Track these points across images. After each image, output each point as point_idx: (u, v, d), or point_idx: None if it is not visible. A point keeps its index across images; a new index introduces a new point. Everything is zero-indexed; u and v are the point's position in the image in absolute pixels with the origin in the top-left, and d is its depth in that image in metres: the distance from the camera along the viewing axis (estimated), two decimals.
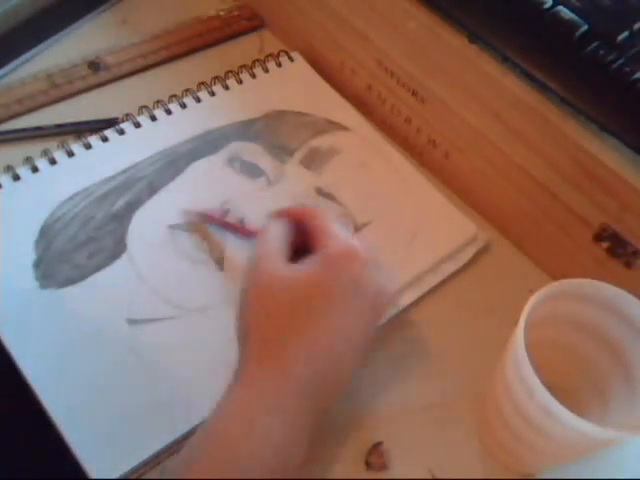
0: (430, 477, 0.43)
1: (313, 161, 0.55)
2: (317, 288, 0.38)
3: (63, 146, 0.53)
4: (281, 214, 0.44)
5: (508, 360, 0.37)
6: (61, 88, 0.58)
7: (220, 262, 0.49)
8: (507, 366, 0.37)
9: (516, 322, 0.49)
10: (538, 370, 0.34)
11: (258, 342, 0.38)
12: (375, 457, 0.42)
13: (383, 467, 0.42)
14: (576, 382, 0.42)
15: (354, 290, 0.39)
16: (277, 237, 0.42)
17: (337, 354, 0.38)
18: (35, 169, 0.51)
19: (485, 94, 0.47)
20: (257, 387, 0.36)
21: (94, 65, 0.59)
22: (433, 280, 0.50)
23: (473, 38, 0.47)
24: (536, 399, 0.34)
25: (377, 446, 0.43)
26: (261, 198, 0.52)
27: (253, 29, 0.65)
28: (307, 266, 0.39)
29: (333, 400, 0.39)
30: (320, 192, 0.53)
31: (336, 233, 0.41)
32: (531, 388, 0.34)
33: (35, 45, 0.60)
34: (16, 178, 0.51)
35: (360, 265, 0.39)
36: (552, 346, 0.41)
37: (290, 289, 0.38)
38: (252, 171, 0.54)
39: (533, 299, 0.36)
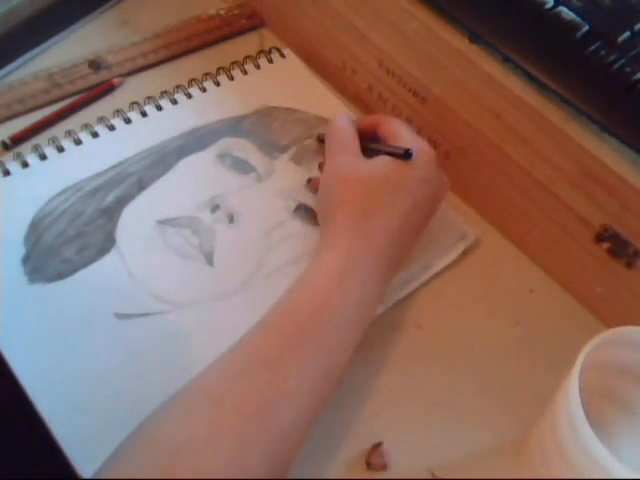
0: (430, 477, 0.43)
1: (303, 157, 0.55)
2: (394, 175, 0.45)
3: (53, 142, 0.53)
4: (355, 122, 0.50)
5: (559, 405, 0.37)
6: (62, 87, 0.58)
7: (209, 257, 0.49)
8: (558, 411, 0.37)
9: (517, 322, 0.49)
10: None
11: (345, 217, 0.44)
12: (375, 457, 0.43)
13: (383, 467, 0.42)
14: (612, 425, 0.42)
15: (423, 181, 0.46)
16: (348, 130, 0.49)
17: (407, 229, 0.45)
18: (25, 164, 0.52)
19: (486, 94, 0.47)
20: (345, 252, 0.43)
21: (95, 64, 0.59)
22: (423, 277, 0.50)
23: (474, 38, 0.47)
24: (592, 457, 0.34)
25: (377, 446, 0.43)
26: (251, 194, 0.52)
27: (253, 28, 0.65)
28: (383, 160, 0.46)
29: (398, 269, 0.47)
30: (310, 188, 0.53)
31: (408, 136, 0.48)
32: (585, 441, 0.34)
33: (36, 45, 0.60)
34: (6, 173, 0.51)
35: (429, 162, 0.47)
36: (593, 391, 0.40)
37: (370, 177, 0.45)
38: (242, 167, 0.54)
39: (588, 346, 0.36)
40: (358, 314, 0.42)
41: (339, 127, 0.49)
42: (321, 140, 0.53)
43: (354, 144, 0.48)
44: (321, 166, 0.53)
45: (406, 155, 0.45)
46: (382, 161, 0.46)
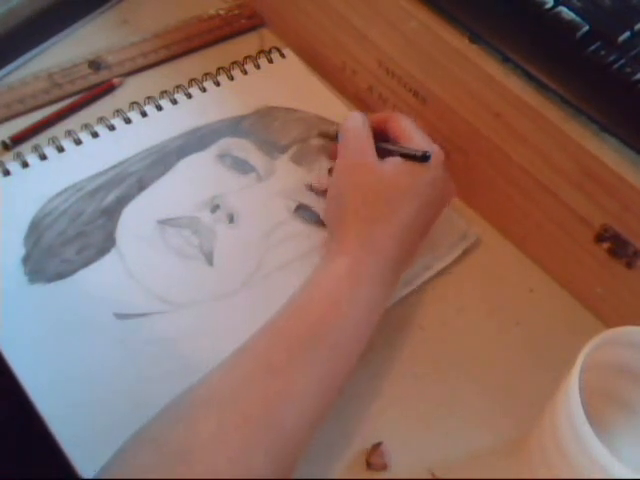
0: (430, 477, 0.43)
1: (303, 157, 0.55)
2: (405, 178, 0.45)
3: (53, 142, 0.53)
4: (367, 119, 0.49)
5: (559, 405, 0.37)
6: (62, 87, 0.58)
7: (209, 257, 0.49)
8: (558, 411, 0.37)
9: (517, 322, 0.49)
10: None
11: (355, 222, 0.44)
12: (375, 457, 0.43)
13: (383, 467, 0.43)
14: (612, 425, 0.43)
15: (431, 183, 0.46)
16: (362, 130, 0.47)
17: (413, 232, 0.45)
18: (25, 164, 0.52)
19: (486, 94, 0.47)
20: (353, 257, 0.43)
21: (95, 64, 0.59)
22: (424, 276, 0.50)
23: (474, 38, 0.47)
24: (592, 457, 0.34)
25: (377, 446, 0.43)
26: (251, 194, 0.52)
27: (253, 28, 0.65)
28: (396, 162, 0.46)
29: (403, 271, 0.46)
30: (311, 188, 0.53)
31: (418, 137, 0.47)
32: (585, 441, 0.34)
33: (36, 45, 0.60)
34: (6, 173, 0.51)
35: (438, 164, 0.47)
36: (593, 391, 0.40)
37: (382, 180, 0.45)
38: (242, 167, 0.54)
39: (588, 346, 0.36)
40: (365, 318, 0.42)
41: (353, 126, 0.48)
42: (323, 136, 0.53)
43: (369, 144, 0.47)
44: (331, 171, 0.52)
45: (424, 158, 0.45)
46: (393, 163, 0.46)
